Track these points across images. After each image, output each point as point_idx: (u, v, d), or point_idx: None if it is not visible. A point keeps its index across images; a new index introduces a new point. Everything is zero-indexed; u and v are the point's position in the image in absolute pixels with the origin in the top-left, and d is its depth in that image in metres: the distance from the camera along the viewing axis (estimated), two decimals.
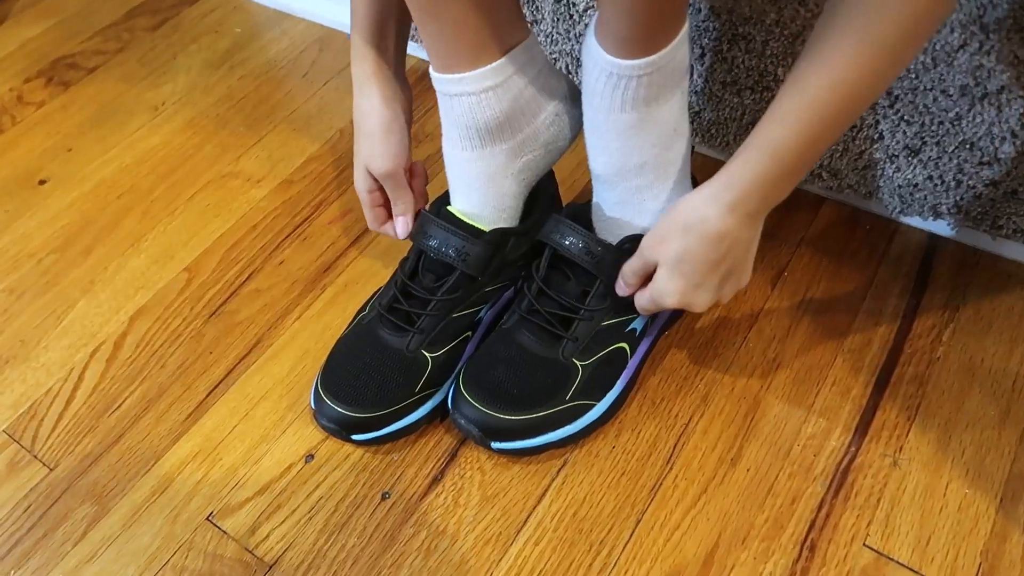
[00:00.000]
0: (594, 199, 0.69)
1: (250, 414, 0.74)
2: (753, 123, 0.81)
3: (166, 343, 0.80)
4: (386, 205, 0.75)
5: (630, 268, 0.65)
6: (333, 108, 1.02)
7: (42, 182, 0.96)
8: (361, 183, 0.73)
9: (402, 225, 0.74)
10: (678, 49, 0.59)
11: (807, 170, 0.57)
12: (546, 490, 0.68)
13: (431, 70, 0.65)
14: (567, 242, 0.67)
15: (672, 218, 0.60)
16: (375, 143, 0.70)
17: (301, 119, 1.01)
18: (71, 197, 0.94)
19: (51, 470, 0.71)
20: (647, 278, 0.65)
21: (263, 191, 0.93)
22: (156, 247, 0.88)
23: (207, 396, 0.76)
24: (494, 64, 0.63)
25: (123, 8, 1.19)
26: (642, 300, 0.65)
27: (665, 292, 0.62)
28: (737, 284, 0.64)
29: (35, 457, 0.72)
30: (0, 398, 0.76)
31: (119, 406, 0.75)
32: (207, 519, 0.68)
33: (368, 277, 0.84)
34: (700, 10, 0.77)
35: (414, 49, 1.05)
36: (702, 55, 0.81)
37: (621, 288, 0.67)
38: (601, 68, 0.59)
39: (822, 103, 0.52)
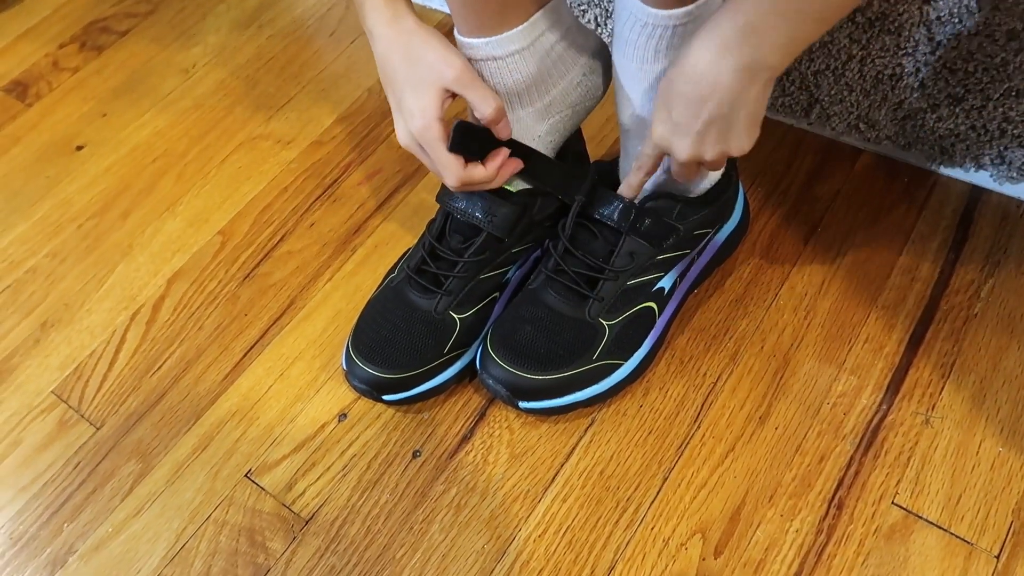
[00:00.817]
0: (621, 154, 0.68)
1: (285, 374, 0.76)
2: (787, 74, 0.79)
3: (202, 306, 0.82)
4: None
5: (642, 158, 0.63)
6: (360, 67, 1.01)
7: (79, 148, 0.98)
8: (431, 112, 0.60)
9: (506, 126, 0.63)
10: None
11: (798, 19, 0.50)
12: (574, 448, 0.68)
13: (456, 34, 0.64)
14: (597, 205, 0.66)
15: (666, 82, 0.56)
16: (441, 49, 0.59)
17: (329, 79, 1.01)
18: (108, 162, 0.96)
19: (97, 429, 0.74)
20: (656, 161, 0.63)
21: (293, 152, 0.93)
22: (191, 210, 0.90)
23: (243, 357, 0.78)
24: (521, 27, 0.62)
25: None
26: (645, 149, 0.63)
27: (653, 132, 0.59)
28: (724, 143, 0.57)
29: (82, 417, 0.75)
30: (47, 360, 0.79)
31: (160, 367, 0.78)
32: (246, 476, 0.70)
33: (398, 238, 0.84)
34: None
35: (438, 3, 1.04)
36: None
37: (629, 187, 0.65)
38: (636, 18, 0.58)
39: None
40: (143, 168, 0.95)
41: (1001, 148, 0.73)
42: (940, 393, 0.67)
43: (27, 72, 1.08)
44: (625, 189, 0.66)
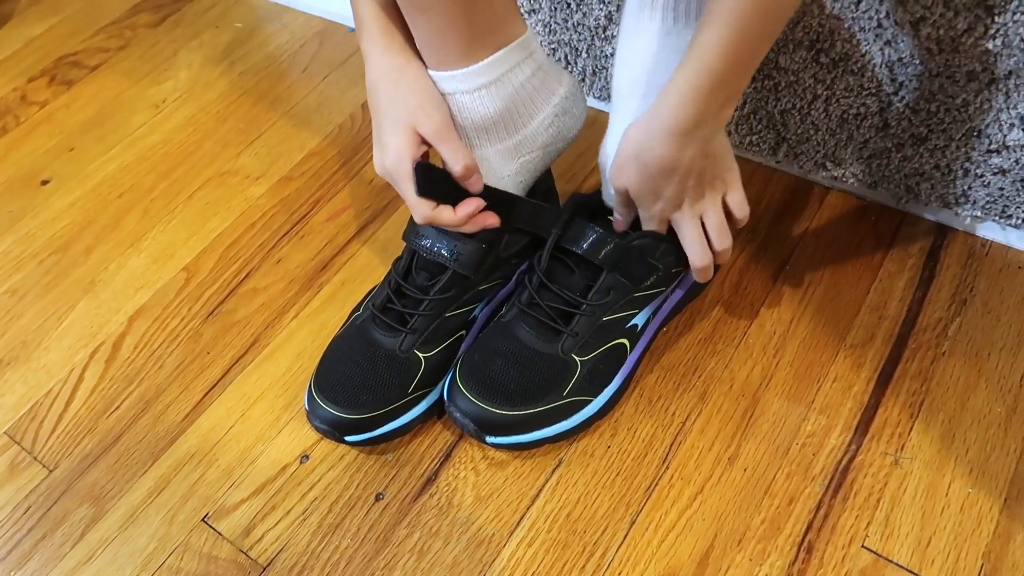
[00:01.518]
0: (610, 125, 0.68)
1: (247, 414, 0.74)
2: (755, 112, 0.80)
3: (164, 343, 0.80)
4: None
5: (616, 203, 0.66)
6: (332, 103, 1.01)
7: (44, 182, 0.97)
8: (404, 152, 0.61)
9: (477, 181, 0.63)
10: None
11: (737, 84, 0.57)
12: (540, 490, 0.67)
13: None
14: (576, 237, 0.67)
15: (624, 148, 0.61)
16: (423, 95, 0.61)
17: (301, 114, 1.00)
18: (73, 197, 0.95)
19: (50, 471, 0.72)
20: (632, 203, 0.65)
21: (262, 188, 0.93)
22: (156, 246, 0.89)
23: (204, 396, 0.76)
24: (487, 60, 0.62)
25: (126, 4, 1.19)
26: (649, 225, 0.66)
27: (649, 216, 0.64)
28: (722, 186, 0.64)
29: (35, 459, 0.73)
30: (1, 400, 0.77)
31: (117, 407, 0.76)
32: (203, 520, 0.68)
33: (365, 275, 0.83)
34: None
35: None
36: None
37: (619, 223, 0.68)
38: None
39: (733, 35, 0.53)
40: (108, 203, 0.94)
41: (965, 187, 0.74)
42: (909, 433, 0.67)
43: None
44: (617, 225, 0.68)
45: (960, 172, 0.73)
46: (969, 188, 0.74)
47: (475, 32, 0.60)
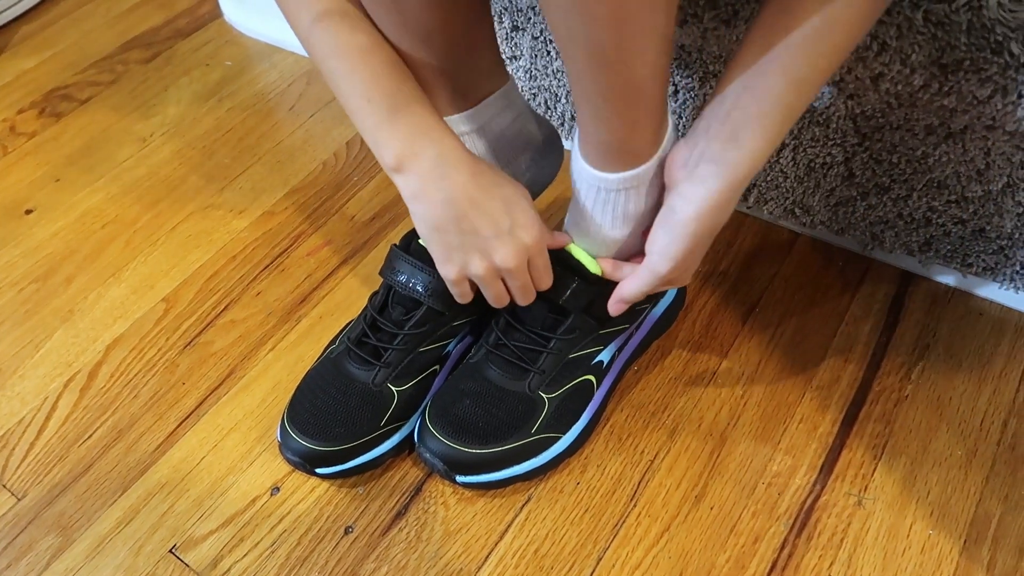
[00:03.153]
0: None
1: (219, 445, 0.74)
2: None
3: (140, 373, 0.80)
4: None
5: (642, 293, 0.61)
6: (317, 141, 1.03)
7: (28, 212, 0.98)
8: (540, 222, 0.60)
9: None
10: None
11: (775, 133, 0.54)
12: (509, 526, 0.67)
13: None
14: None
15: (688, 239, 0.56)
16: (527, 209, 0.59)
17: (286, 151, 1.02)
18: (56, 227, 0.96)
19: (19, 500, 0.72)
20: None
21: (244, 222, 0.94)
22: (136, 277, 0.89)
23: (177, 427, 0.76)
24: (471, 111, 0.64)
25: (118, 40, 1.22)
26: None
27: (692, 268, 0.61)
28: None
29: (3, 486, 0.72)
30: None
31: (90, 436, 0.76)
32: (170, 551, 0.68)
33: (343, 309, 0.84)
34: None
35: None
36: (675, 92, 0.82)
37: (620, 306, 0.64)
38: (589, 184, 0.58)
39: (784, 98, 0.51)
40: (91, 234, 0.94)
41: (927, 236, 0.76)
42: (872, 474, 0.68)
43: None
44: (615, 307, 0.64)
45: (922, 221, 0.75)
46: (931, 237, 0.76)
47: (461, 84, 0.62)
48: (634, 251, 0.64)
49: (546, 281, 0.62)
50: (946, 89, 0.62)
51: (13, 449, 0.75)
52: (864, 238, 0.80)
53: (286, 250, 0.91)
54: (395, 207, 0.94)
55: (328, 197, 0.96)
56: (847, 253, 0.84)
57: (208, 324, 0.84)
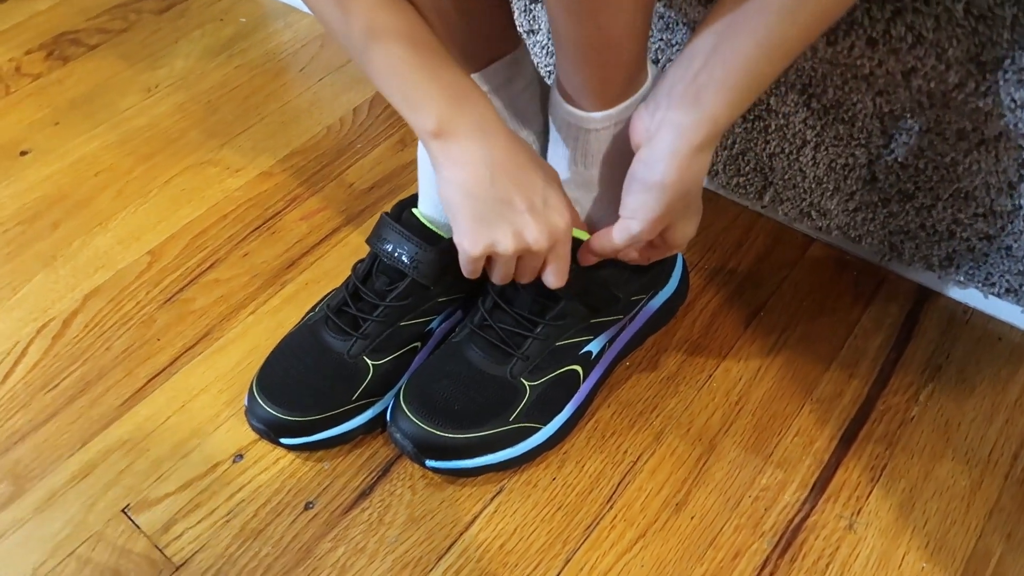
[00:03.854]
0: None
1: (187, 406, 0.71)
2: (743, 154, 0.78)
3: (115, 325, 0.78)
4: None
5: (627, 253, 0.60)
6: (324, 105, 1.00)
7: (23, 153, 0.95)
8: (549, 243, 0.55)
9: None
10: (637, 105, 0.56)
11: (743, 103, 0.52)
12: (476, 517, 0.64)
13: None
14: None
15: (664, 193, 0.53)
16: (561, 193, 0.56)
17: (291, 112, 0.99)
18: (49, 170, 0.93)
19: None
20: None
21: (240, 181, 0.91)
22: (124, 228, 0.87)
23: (146, 383, 0.73)
24: (477, 74, 0.60)
25: None
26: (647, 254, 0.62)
27: (685, 236, 0.59)
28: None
29: None
30: None
31: (56, 385, 0.73)
32: (122, 511, 0.65)
33: (331, 277, 0.81)
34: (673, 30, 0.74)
35: None
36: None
37: (585, 259, 0.62)
38: (561, 118, 0.58)
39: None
40: (84, 180, 0.92)
41: (949, 250, 0.72)
42: (867, 497, 0.63)
43: None
44: (583, 256, 0.62)
45: (945, 234, 0.71)
46: (953, 251, 0.71)
47: (467, 43, 0.59)
48: (601, 217, 0.62)
49: (562, 276, 0.58)
50: (983, 89, 0.57)
51: None
52: (882, 248, 0.76)
53: (279, 212, 0.87)
54: (396, 178, 0.90)
55: (329, 162, 0.93)
56: (863, 263, 0.79)
57: (191, 281, 0.81)
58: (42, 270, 0.83)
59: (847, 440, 0.67)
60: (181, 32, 1.12)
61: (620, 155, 0.59)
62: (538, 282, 0.63)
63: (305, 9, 1.13)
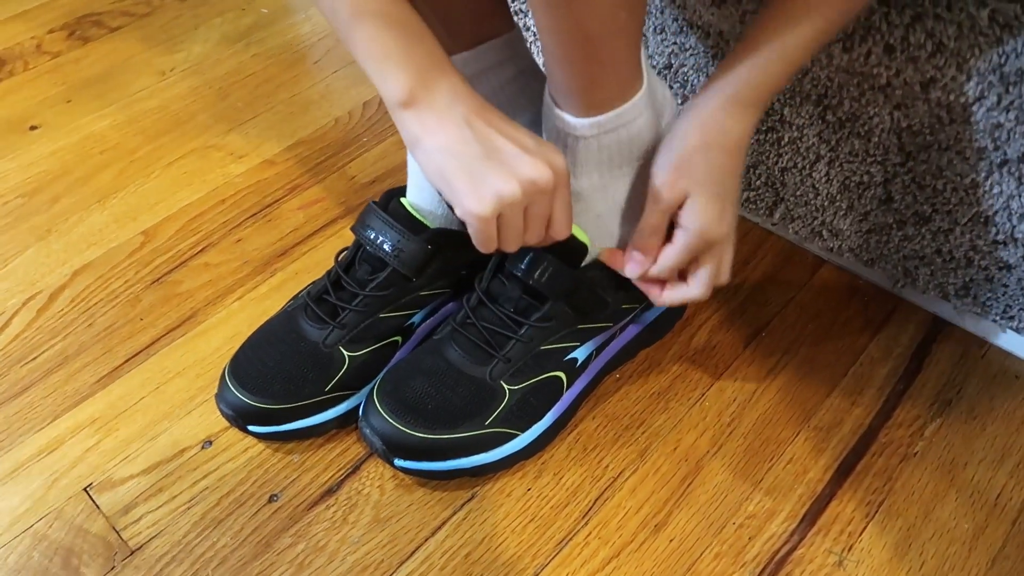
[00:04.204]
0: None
1: (161, 388, 0.70)
2: (754, 167, 0.75)
3: (100, 303, 0.76)
4: None
5: (648, 226, 0.56)
6: (335, 97, 0.99)
7: (33, 128, 0.95)
8: (554, 181, 0.52)
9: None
10: (630, 115, 0.54)
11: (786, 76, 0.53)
12: (444, 522, 0.61)
13: None
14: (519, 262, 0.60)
15: (685, 142, 0.53)
16: (547, 141, 0.54)
17: (300, 103, 0.98)
18: (56, 146, 0.93)
19: None
20: (666, 235, 0.57)
21: (242, 167, 0.90)
22: (122, 206, 0.86)
23: (124, 363, 0.72)
24: (464, 54, 0.58)
25: None
26: (670, 259, 0.57)
27: (710, 221, 0.55)
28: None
29: None
30: None
31: (35, 358, 0.72)
32: (84, 489, 0.63)
33: (322, 268, 0.79)
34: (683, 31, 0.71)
35: None
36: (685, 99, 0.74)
37: (634, 266, 0.59)
38: (551, 123, 0.56)
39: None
40: (88, 158, 0.91)
41: (966, 279, 0.68)
42: (861, 533, 0.59)
43: (8, 50, 1.07)
44: (634, 268, 0.59)
45: (963, 261, 0.67)
46: (971, 280, 0.67)
47: (455, 22, 0.57)
48: (591, 237, 0.60)
49: (566, 225, 0.54)
50: (1005, 104, 0.54)
51: None
52: (895, 273, 0.72)
53: (278, 200, 0.86)
54: (398, 173, 0.89)
55: (333, 154, 0.91)
56: (874, 288, 0.75)
57: (181, 263, 0.80)
58: (36, 243, 0.82)
59: (843, 471, 0.63)
60: (202, 19, 1.12)
61: (612, 168, 0.57)
62: (523, 283, 0.61)
63: None
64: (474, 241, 0.52)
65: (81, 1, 1.15)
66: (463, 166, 0.50)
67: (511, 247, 0.53)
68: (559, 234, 0.54)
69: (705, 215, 0.55)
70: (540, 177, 0.50)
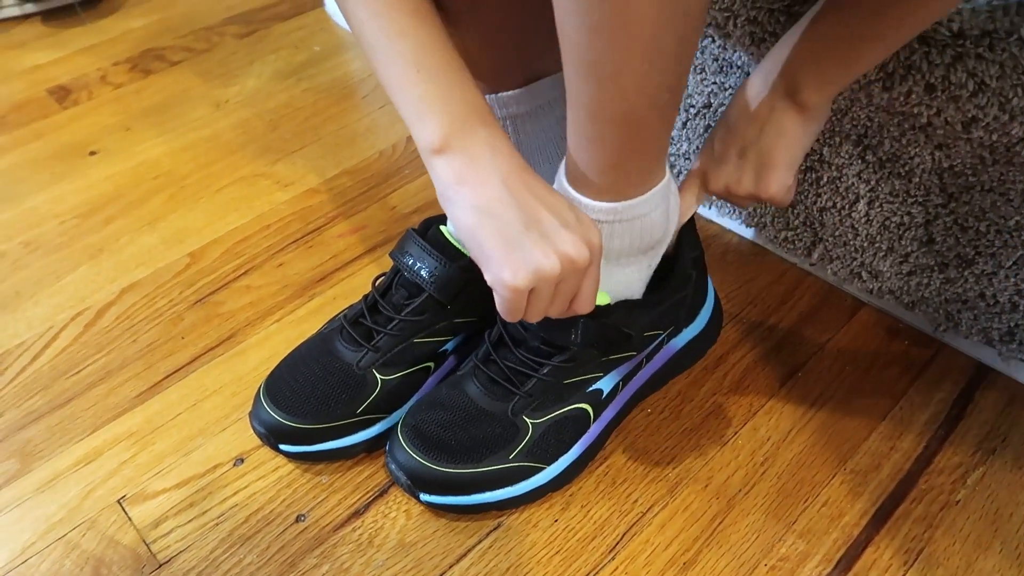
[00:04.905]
0: None
1: (198, 405, 0.71)
2: (793, 207, 0.74)
3: (145, 320, 0.79)
4: None
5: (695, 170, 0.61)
6: (380, 130, 1.01)
7: (92, 153, 1.00)
8: (590, 259, 0.50)
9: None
10: (646, 207, 0.53)
11: (833, 58, 0.52)
12: (469, 550, 0.60)
13: None
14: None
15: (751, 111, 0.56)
16: (576, 219, 0.50)
17: (346, 136, 1.01)
18: (112, 171, 0.97)
19: None
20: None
21: (287, 195, 0.92)
22: (171, 229, 0.89)
23: (164, 379, 0.73)
24: (516, 92, 0.60)
25: (223, 15, 1.25)
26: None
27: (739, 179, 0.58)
28: (758, 178, 0.58)
29: None
30: None
31: (79, 371, 0.74)
32: (117, 501, 0.64)
33: (359, 294, 0.79)
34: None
35: None
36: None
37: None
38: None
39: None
40: (142, 182, 0.95)
41: (1012, 324, 0.66)
42: None
43: (74, 80, 1.12)
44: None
45: (1007, 305, 0.65)
46: (1016, 326, 0.66)
47: (507, 59, 0.59)
48: None
49: (591, 302, 0.53)
50: None
51: (5, 370, 0.74)
52: (937, 316, 0.70)
53: (319, 228, 0.88)
54: (438, 205, 0.90)
55: (375, 185, 0.93)
56: (915, 332, 0.74)
57: (224, 285, 0.82)
58: (87, 262, 0.85)
59: (881, 517, 0.61)
60: (257, 55, 1.16)
61: (620, 257, 0.56)
62: (548, 325, 0.60)
63: None
64: (500, 309, 0.51)
65: (146, 37, 1.20)
66: (500, 231, 0.47)
67: (534, 318, 0.52)
68: (582, 309, 0.53)
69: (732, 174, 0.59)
70: (579, 256, 0.48)
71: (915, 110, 0.59)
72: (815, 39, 0.52)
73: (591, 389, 0.62)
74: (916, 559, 0.58)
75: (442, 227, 0.65)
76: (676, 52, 0.43)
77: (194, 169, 0.97)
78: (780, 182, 0.57)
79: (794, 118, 0.54)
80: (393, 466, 0.61)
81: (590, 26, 0.41)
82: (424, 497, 0.61)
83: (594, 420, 0.63)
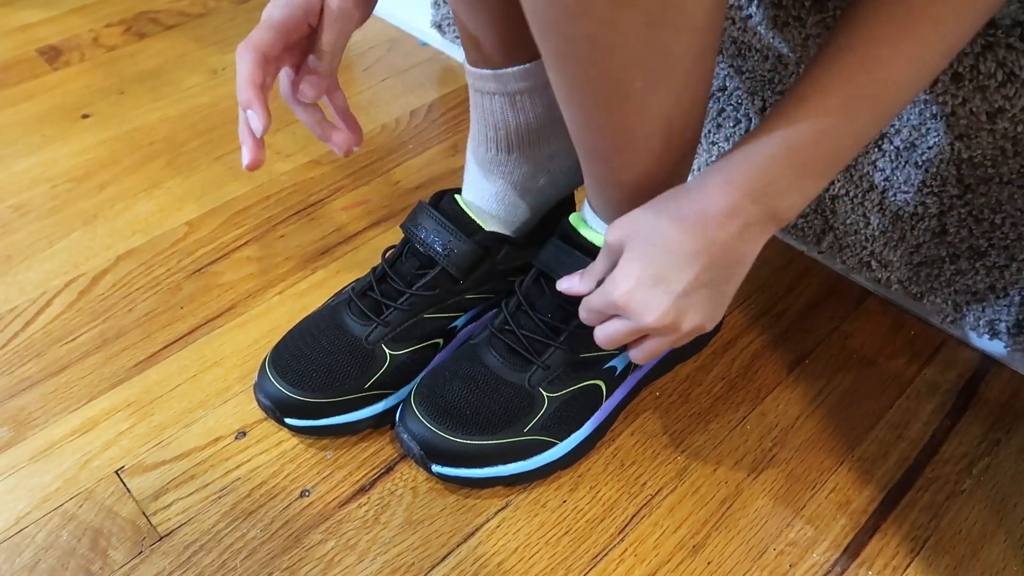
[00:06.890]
0: None
1: (198, 376, 0.69)
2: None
3: (142, 288, 0.77)
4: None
5: (596, 269, 0.53)
6: (382, 104, 0.99)
7: (85, 116, 0.97)
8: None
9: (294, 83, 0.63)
10: None
11: (824, 176, 0.46)
12: (477, 529, 0.60)
13: (464, 62, 0.61)
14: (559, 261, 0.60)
15: (667, 205, 0.48)
16: None
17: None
18: (106, 135, 0.94)
19: None
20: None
21: (288, 166, 0.90)
22: (168, 196, 0.86)
23: (162, 349, 0.71)
24: (531, 64, 0.59)
25: None
26: (591, 302, 0.53)
27: (617, 279, 0.49)
28: (702, 316, 0.50)
29: None
30: None
31: (74, 339, 0.72)
32: (115, 472, 0.63)
33: (363, 268, 0.78)
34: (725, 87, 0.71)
35: (444, 46, 1.03)
36: (764, 108, 0.74)
37: (573, 282, 0.56)
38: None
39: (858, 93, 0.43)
40: (137, 148, 0.92)
41: (1020, 317, 0.66)
42: (905, 569, 0.58)
43: (65, 40, 1.09)
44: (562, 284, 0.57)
45: (1017, 299, 0.66)
46: None
47: (523, 32, 0.57)
48: None
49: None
50: None
51: None
52: (945, 307, 0.71)
53: (322, 200, 0.86)
54: (443, 181, 0.89)
55: (379, 158, 0.92)
56: (922, 323, 0.74)
57: (223, 255, 0.80)
58: (81, 227, 0.83)
59: (888, 504, 0.61)
60: (255, 21, 1.12)
61: None
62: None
63: (378, 14, 1.14)
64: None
65: None
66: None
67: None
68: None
69: (616, 272, 0.51)
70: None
71: (940, 99, 0.58)
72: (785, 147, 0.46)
73: (607, 366, 0.61)
74: (923, 547, 0.59)
75: (457, 196, 0.64)
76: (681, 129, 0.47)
77: (191, 136, 0.94)
78: (716, 320, 0.53)
79: (753, 243, 0.50)
80: (405, 436, 0.60)
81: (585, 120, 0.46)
82: (436, 468, 0.60)
83: (606, 397, 0.62)
